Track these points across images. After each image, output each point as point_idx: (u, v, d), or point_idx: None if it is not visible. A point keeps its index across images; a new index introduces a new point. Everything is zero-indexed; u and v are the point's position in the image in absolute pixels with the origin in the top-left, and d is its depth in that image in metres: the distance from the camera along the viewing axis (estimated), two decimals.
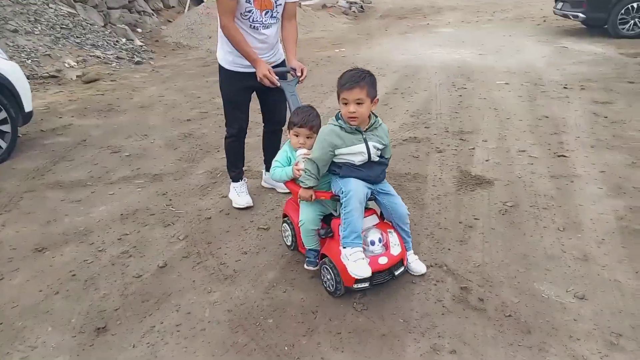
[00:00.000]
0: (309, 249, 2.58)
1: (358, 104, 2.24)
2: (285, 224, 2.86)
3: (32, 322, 2.42)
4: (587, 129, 4.68)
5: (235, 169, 3.52)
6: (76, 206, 3.58)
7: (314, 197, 2.41)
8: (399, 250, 2.37)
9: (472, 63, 7.88)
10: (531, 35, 10.26)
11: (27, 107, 4.60)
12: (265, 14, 2.95)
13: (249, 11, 2.89)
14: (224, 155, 4.40)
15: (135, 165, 4.32)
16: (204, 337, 2.28)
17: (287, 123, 2.75)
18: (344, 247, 2.27)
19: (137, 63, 8.77)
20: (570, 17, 9.78)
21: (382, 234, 2.38)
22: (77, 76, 7.62)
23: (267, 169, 3.76)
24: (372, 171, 2.36)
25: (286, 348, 2.19)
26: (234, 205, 3.48)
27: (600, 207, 3.23)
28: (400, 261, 2.40)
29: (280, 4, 2.99)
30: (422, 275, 2.59)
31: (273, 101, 3.31)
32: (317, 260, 2.58)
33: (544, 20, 12.08)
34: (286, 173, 2.55)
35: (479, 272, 2.64)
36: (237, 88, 3.17)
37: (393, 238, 2.40)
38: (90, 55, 8.51)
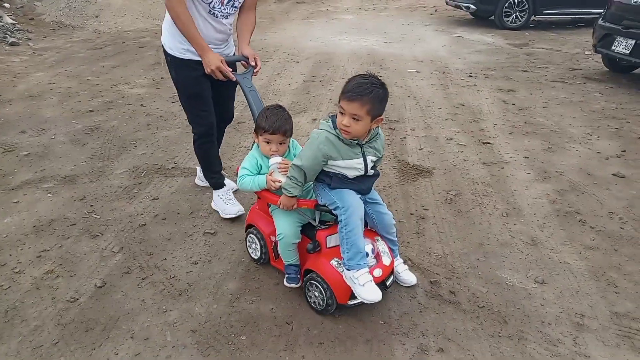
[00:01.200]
0: (289, 265, 2.34)
1: (354, 119, 1.97)
2: (251, 235, 2.58)
3: None
4: (501, 116, 4.99)
5: (214, 173, 3.10)
6: None
7: (296, 206, 2.19)
8: (390, 260, 2.26)
9: (381, 51, 8.04)
10: (427, 24, 10.75)
11: None
12: (227, 3, 2.62)
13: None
14: (144, 151, 4.03)
15: (38, 166, 3.71)
16: None
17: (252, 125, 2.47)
18: (349, 270, 2.07)
19: (12, 44, 7.61)
20: (462, 7, 10.41)
21: (373, 245, 2.23)
22: None
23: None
24: (364, 184, 2.17)
25: None
26: (224, 215, 3.05)
27: (533, 191, 3.44)
28: (391, 271, 2.30)
29: None
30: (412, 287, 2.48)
31: (226, 97, 2.99)
32: (299, 277, 2.36)
33: (436, 10, 12.73)
34: (258, 184, 2.26)
35: (443, 264, 2.66)
36: (195, 79, 2.73)
37: (382, 247, 2.27)
38: None
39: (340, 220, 2.09)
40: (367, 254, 2.16)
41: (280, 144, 2.30)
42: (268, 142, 2.29)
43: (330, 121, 2.09)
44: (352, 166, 2.08)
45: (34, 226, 2.94)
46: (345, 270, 2.11)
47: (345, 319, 2.25)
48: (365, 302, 2.09)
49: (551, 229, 2.99)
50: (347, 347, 2.10)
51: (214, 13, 2.62)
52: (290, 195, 2.12)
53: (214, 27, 2.66)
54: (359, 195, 2.16)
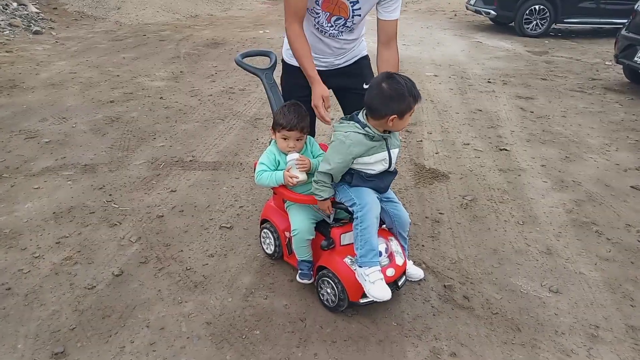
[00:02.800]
0: (302, 261, 2.36)
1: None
2: (266, 230, 2.60)
3: None
4: (519, 123, 4.96)
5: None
6: None
7: (331, 208, 2.19)
8: (403, 260, 2.27)
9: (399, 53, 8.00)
10: (446, 28, 10.71)
11: None
12: (336, 21, 2.28)
13: (316, 13, 2.28)
14: (163, 144, 4.08)
15: (59, 153, 3.77)
16: (186, 355, 2.04)
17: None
18: (360, 267, 2.09)
19: (36, 33, 7.74)
20: (482, 13, 10.35)
21: (386, 244, 2.25)
22: None
23: None
24: (383, 181, 2.17)
25: None
26: None
27: (549, 200, 3.42)
28: (404, 271, 2.31)
29: (359, 15, 2.26)
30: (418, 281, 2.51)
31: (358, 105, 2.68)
32: (312, 273, 2.38)
33: (455, 15, 12.67)
34: (276, 179, 2.26)
35: (457, 269, 2.66)
36: (294, 86, 2.48)
37: (395, 247, 2.28)
38: None
39: (355, 217, 2.11)
40: (381, 253, 2.17)
41: (298, 140, 2.30)
42: (285, 139, 2.29)
43: (352, 122, 2.08)
44: (379, 159, 2.09)
45: (54, 212, 2.99)
46: (357, 267, 2.13)
47: (358, 318, 2.26)
48: (375, 300, 2.11)
49: (567, 238, 2.97)
50: (359, 347, 2.11)
51: (320, 30, 2.34)
52: (322, 199, 2.13)
53: (320, 40, 2.38)
54: (377, 194, 2.17)
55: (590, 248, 2.88)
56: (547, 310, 2.37)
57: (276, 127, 2.30)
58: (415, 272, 2.46)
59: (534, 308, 2.38)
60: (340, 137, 2.06)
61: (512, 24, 10.14)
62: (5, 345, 2.03)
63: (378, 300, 2.11)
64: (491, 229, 3.06)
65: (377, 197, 2.16)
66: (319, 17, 2.29)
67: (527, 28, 9.91)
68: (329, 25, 2.31)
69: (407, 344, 2.14)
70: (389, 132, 2.11)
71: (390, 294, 2.10)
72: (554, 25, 10.01)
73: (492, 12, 10.04)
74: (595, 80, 6.74)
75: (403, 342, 2.15)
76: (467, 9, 11.09)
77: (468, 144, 4.37)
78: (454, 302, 2.41)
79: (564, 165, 3.97)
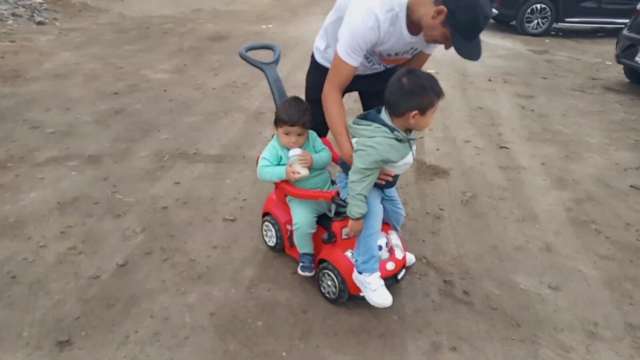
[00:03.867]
0: (304, 254, 2.39)
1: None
2: (267, 223, 2.63)
3: None
4: (519, 121, 4.98)
5: None
6: None
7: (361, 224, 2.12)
8: (403, 254, 2.29)
9: None
10: None
11: None
12: (392, 67, 2.34)
13: (369, 60, 2.24)
14: (167, 136, 4.09)
15: (63, 144, 3.79)
16: (190, 346, 2.06)
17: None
18: (360, 273, 2.10)
19: (40, 23, 7.72)
20: None
21: (386, 238, 2.27)
22: None
23: None
24: (394, 178, 2.14)
25: (284, 354, 2.05)
26: None
27: (549, 198, 3.45)
28: (404, 264, 2.33)
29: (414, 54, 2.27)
30: (409, 267, 2.55)
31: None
32: (313, 266, 2.41)
33: None
34: (278, 174, 2.28)
35: (457, 264, 2.69)
36: (321, 84, 2.27)
37: (395, 240, 2.30)
38: None
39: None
40: (381, 247, 2.20)
41: (299, 135, 2.31)
42: (287, 134, 2.29)
43: (375, 124, 1.94)
44: (406, 162, 2.01)
45: (58, 202, 3.01)
46: (356, 272, 2.15)
47: (359, 311, 2.29)
48: (376, 306, 2.13)
49: (566, 236, 3.00)
50: (361, 340, 2.14)
51: (370, 61, 2.26)
52: (358, 217, 2.02)
53: (365, 66, 2.28)
54: (382, 192, 2.19)
55: (590, 246, 2.91)
56: (547, 307, 2.40)
57: (278, 122, 2.31)
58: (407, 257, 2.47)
59: (533, 304, 2.42)
60: (368, 144, 1.91)
61: (514, 22, 10.16)
62: (10, 333, 2.05)
63: (380, 307, 2.14)
64: (491, 225, 3.09)
65: (382, 197, 2.18)
66: (372, 60, 2.24)
67: (528, 27, 9.94)
68: (382, 65, 2.29)
69: (408, 338, 2.17)
70: (411, 131, 2.02)
71: (392, 300, 2.11)
72: (555, 25, 10.02)
73: (494, 10, 10.04)
74: (596, 80, 6.77)
75: (404, 336, 2.18)
76: None
77: (469, 141, 4.40)
78: (454, 297, 2.44)
79: (564, 164, 4.00)
